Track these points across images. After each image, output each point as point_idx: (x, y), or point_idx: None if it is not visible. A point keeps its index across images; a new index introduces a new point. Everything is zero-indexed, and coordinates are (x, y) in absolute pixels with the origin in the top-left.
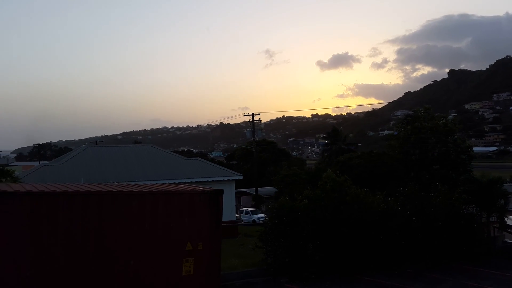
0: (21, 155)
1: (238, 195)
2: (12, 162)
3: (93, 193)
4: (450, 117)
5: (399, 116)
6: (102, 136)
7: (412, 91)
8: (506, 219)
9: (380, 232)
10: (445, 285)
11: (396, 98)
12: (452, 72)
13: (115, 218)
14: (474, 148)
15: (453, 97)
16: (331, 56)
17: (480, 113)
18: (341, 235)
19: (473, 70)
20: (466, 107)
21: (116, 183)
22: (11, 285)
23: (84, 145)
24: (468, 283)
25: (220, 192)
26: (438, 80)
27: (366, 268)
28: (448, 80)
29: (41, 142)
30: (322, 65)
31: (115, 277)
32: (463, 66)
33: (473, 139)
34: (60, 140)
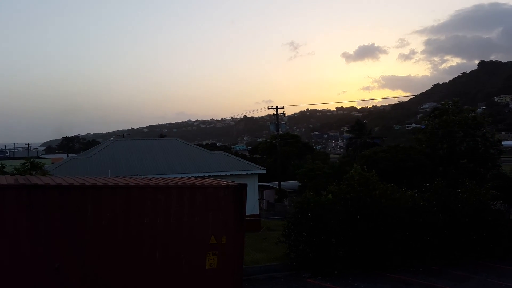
0: (50, 147)
1: (261, 189)
2: (42, 155)
3: (121, 186)
4: (479, 110)
5: (427, 109)
6: (128, 129)
7: (440, 83)
8: None
9: (406, 228)
10: (471, 282)
11: (424, 91)
12: (482, 64)
13: (141, 211)
14: (503, 142)
15: (483, 89)
16: (356, 48)
17: (510, 106)
18: (366, 231)
19: (504, 61)
20: (496, 99)
21: (142, 177)
22: (43, 278)
23: (112, 138)
24: (495, 281)
25: (244, 186)
26: (467, 72)
27: (390, 265)
28: (478, 72)
29: (69, 135)
30: (347, 57)
31: (141, 268)
32: (493, 57)
33: (502, 133)
34: (88, 133)
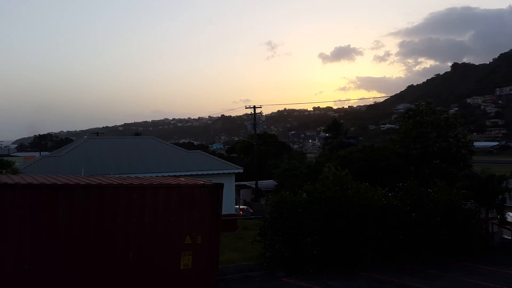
0: (22, 145)
1: (238, 188)
2: (13, 153)
3: (94, 185)
4: (451, 111)
5: (401, 110)
6: (103, 127)
7: (414, 84)
8: (505, 215)
9: (379, 227)
10: (442, 281)
11: (398, 92)
12: (455, 66)
13: (115, 211)
14: (475, 143)
15: (456, 91)
16: (333, 49)
17: (482, 107)
18: (340, 230)
19: (477, 63)
20: (468, 101)
21: (117, 176)
22: (11, 278)
23: (85, 136)
24: (465, 279)
25: (221, 185)
26: (441, 74)
27: (364, 263)
28: (451, 74)
29: (42, 133)
30: (324, 58)
31: (114, 269)
32: (466, 60)
33: (474, 133)
34: (62, 131)
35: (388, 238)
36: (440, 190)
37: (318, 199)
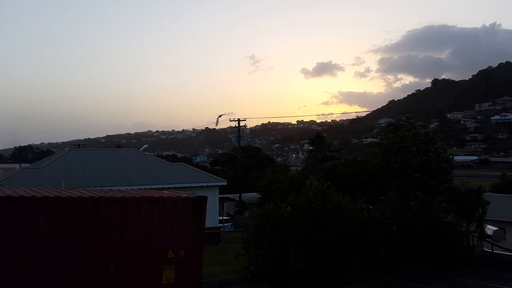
0: (1, 157)
1: (222, 201)
2: None
3: (75, 198)
4: (431, 126)
5: (383, 124)
6: (85, 139)
7: (396, 99)
8: (485, 228)
9: (361, 240)
10: None
11: (380, 107)
12: (435, 82)
13: (96, 224)
14: (455, 157)
15: (436, 106)
16: (315, 64)
17: (462, 122)
18: (323, 243)
19: (456, 79)
20: (448, 116)
21: (98, 189)
22: None
23: (67, 148)
24: None
25: (204, 199)
26: (421, 89)
27: (347, 276)
28: (432, 89)
29: (22, 144)
30: (306, 73)
31: (95, 283)
32: (444, 76)
33: (454, 148)
34: (42, 143)
35: (371, 251)
36: (421, 203)
37: (301, 213)
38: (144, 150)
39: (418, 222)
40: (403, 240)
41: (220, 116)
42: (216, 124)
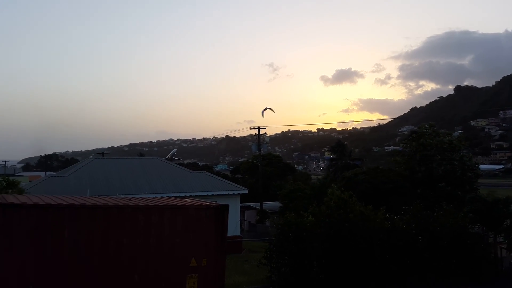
0: (28, 165)
1: (243, 210)
2: (19, 172)
3: (100, 206)
4: (455, 134)
5: (405, 132)
6: (108, 147)
7: (418, 106)
8: None
9: (385, 251)
10: None
11: (401, 114)
12: (458, 88)
13: (120, 232)
14: (480, 166)
15: (459, 113)
16: (334, 72)
17: (486, 130)
18: (346, 254)
19: (479, 86)
20: (472, 124)
21: (122, 196)
22: None
23: (91, 156)
24: None
25: (226, 207)
26: (444, 96)
27: (370, 287)
28: (454, 96)
29: (48, 153)
30: (326, 80)
31: None
32: (467, 83)
33: (479, 156)
34: (67, 151)
35: (395, 262)
36: (446, 213)
37: (323, 222)
38: (173, 154)
39: (444, 232)
40: (429, 251)
41: (265, 109)
42: (263, 116)
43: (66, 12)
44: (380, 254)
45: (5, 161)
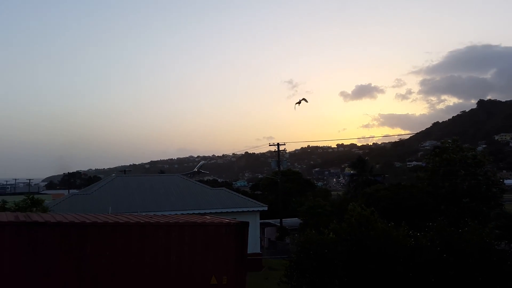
0: (51, 183)
1: (262, 226)
2: (43, 190)
3: (121, 224)
4: (479, 148)
5: (427, 147)
6: (130, 165)
7: (440, 121)
8: None
9: (409, 269)
10: None
11: (423, 129)
12: (481, 103)
13: (142, 250)
14: (505, 181)
15: (483, 128)
16: (354, 87)
17: (511, 144)
18: (368, 272)
19: (503, 100)
20: (496, 138)
21: (143, 214)
22: None
23: (113, 174)
24: None
25: (246, 224)
26: (466, 111)
27: None
28: (477, 111)
29: (71, 171)
30: (345, 96)
31: None
32: (490, 97)
33: (504, 171)
34: (90, 169)
35: (419, 280)
36: (471, 230)
37: (344, 240)
38: (201, 166)
39: (469, 250)
40: (454, 268)
41: (299, 102)
42: (295, 109)
43: (85, 31)
44: (403, 272)
45: (30, 179)
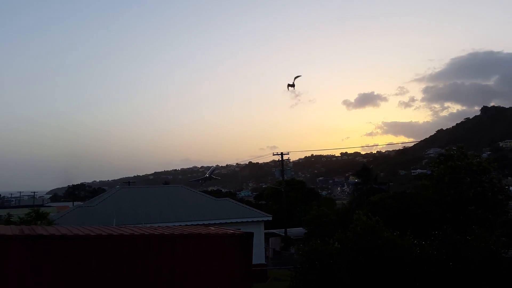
0: (56, 195)
1: (267, 236)
2: (47, 203)
3: (126, 236)
4: (484, 155)
5: (432, 155)
6: (134, 176)
7: (444, 128)
8: None
9: (416, 278)
10: None
11: (427, 136)
12: (484, 109)
13: (147, 261)
14: (511, 188)
15: (487, 134)
16: (357, 96)
17: None
18: (374, 281)
19: (507, 106)
20: (500, 144)
21: (148, 225)
22: None
23: (118, 186)
24: None
25: (251, 235)
26: (470, 118)
27: None
28: (481, 118)
29: (75, 183)
30: (348, 104)
31: None
32: (493, 103)
33: (509, 178)
34: (94, 181)
35: None
36: (477, 238)
37: (350, 249)
38: (212, 172)
39: (476, 258)
40: (461, 277)
41: (293, 83)
42: (288, 89)
43: (89, 45)
44: (409, 281)
45: (34, 192)
